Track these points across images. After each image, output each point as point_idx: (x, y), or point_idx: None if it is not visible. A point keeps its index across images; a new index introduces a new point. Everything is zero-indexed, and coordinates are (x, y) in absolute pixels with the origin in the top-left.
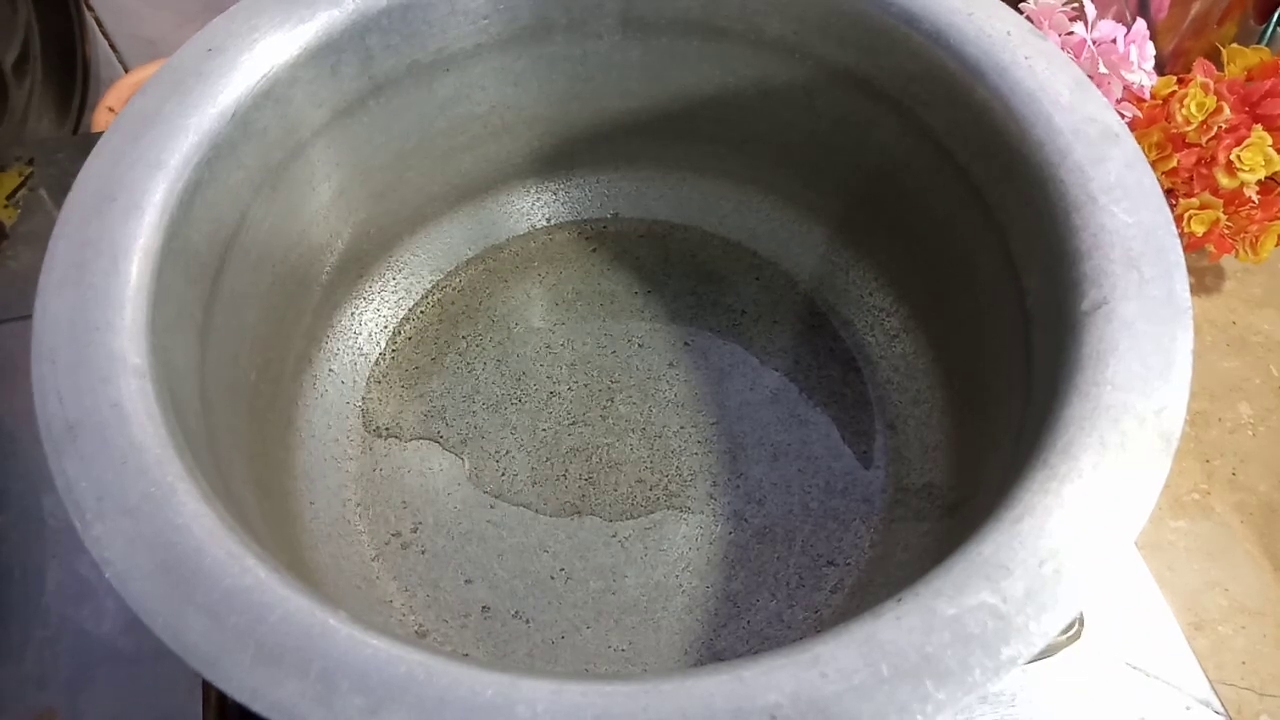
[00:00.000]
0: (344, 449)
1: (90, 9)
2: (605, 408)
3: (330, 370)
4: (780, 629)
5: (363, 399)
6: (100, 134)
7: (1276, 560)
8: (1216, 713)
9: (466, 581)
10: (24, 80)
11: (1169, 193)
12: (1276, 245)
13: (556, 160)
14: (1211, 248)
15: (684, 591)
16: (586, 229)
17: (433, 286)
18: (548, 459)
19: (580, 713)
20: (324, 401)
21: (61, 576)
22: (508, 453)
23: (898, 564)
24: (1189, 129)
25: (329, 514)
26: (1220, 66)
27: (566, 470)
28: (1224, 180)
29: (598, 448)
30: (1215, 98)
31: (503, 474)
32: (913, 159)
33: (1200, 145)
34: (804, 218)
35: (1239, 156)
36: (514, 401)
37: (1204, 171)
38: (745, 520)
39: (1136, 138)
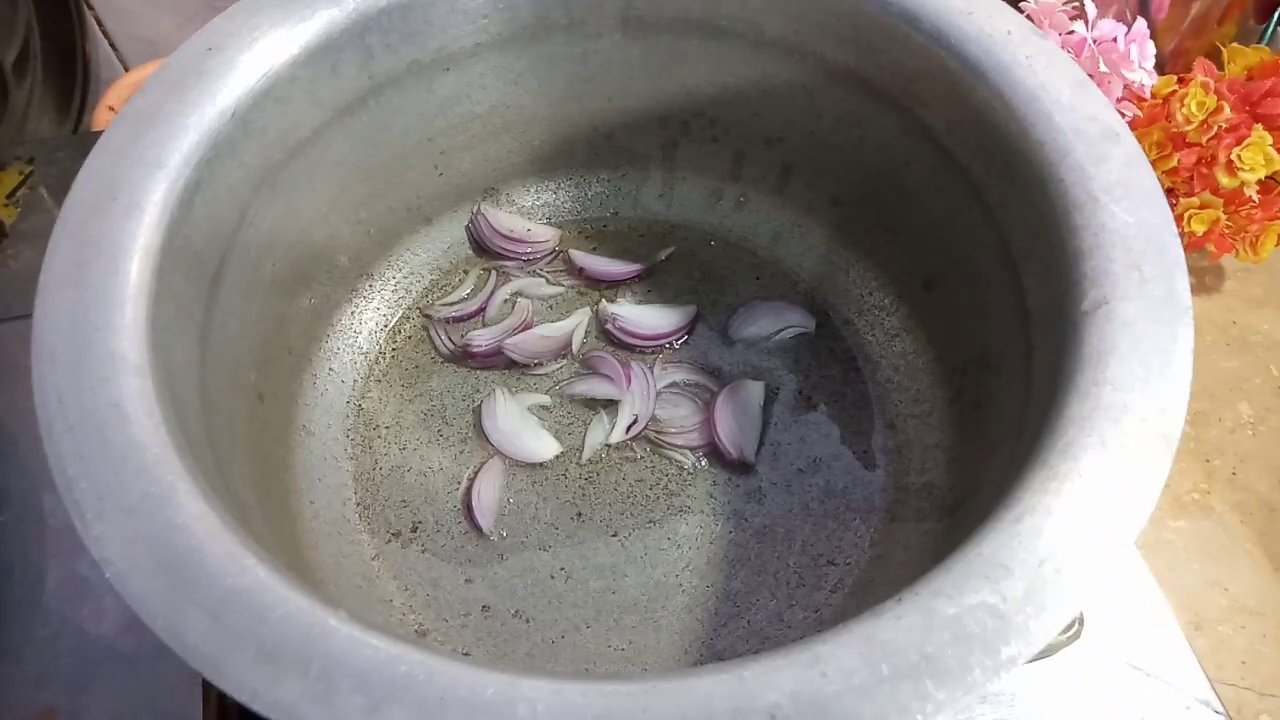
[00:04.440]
0: (344, 448)
1: (90, 9)
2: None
3: (330, 369)
4: (780, 628)
5: (363, 398)
6: (100, 133)
7: (1276, 560)
8: (1216, 712)
9: (466, 581)
10: (24, 80)
11: (1169, 192)
12: (1276, 245)
13: (556, 160)
14: (1212, 247)
15: (684, 591)
16: (587, 228)
17: (432, 286)
18: None
19: (580, 713)
20: (324, 400)
21: (61, 576)
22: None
23: (898, 564)
24: (1189, 128)
25: (329, 513)
26: (1220, 66)
27: (566, 469)
28: (1224, 180)
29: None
30: (1215, 97)
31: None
32: (913, 158)
33: (1200, 144)
34: (804, 218)
35: (1239, 156)
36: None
37: (1204, 171)
38: (745, 520)
39: (1137, 137)
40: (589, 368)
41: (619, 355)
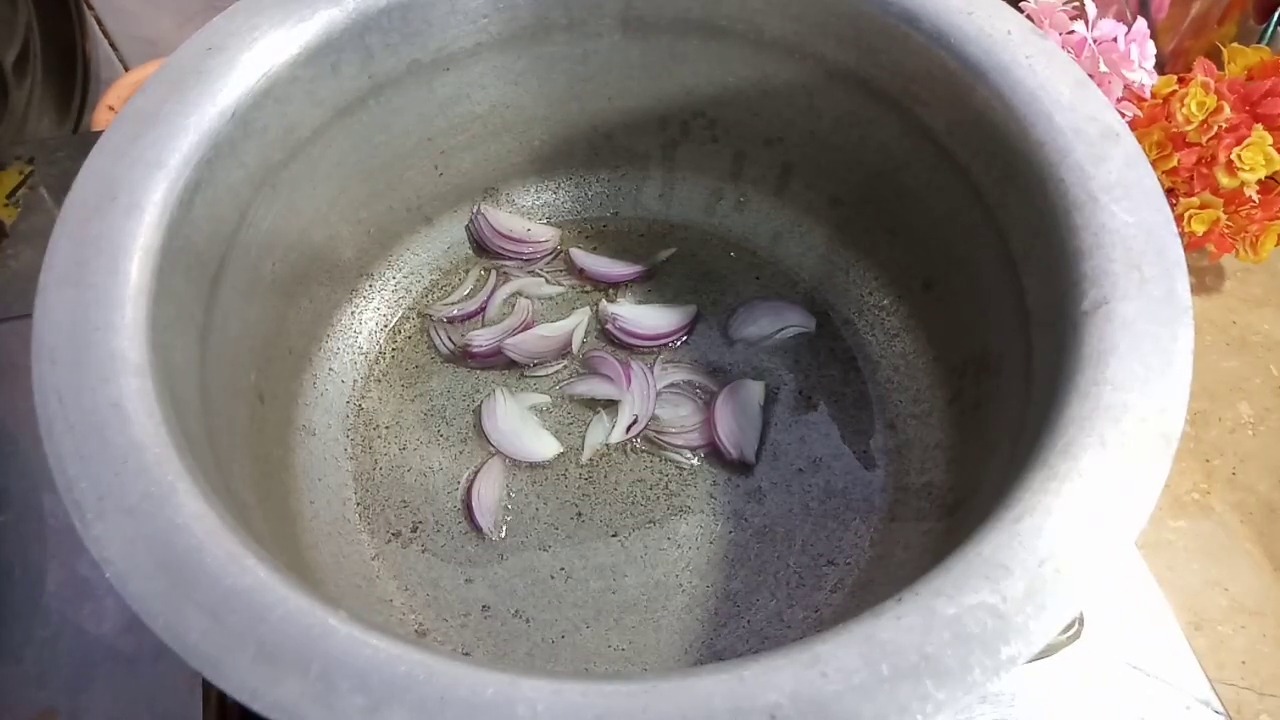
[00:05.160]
0: (344, 448)
1: (90, 9)
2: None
3: (330, 369)
4: (780, 628)
5: (363, 397)
6: (100, 133)
7: (1276, 560)
8: (1216, 712)
9: (466, 581)
10: (24, 80)
11: (1169, 192)
12: (1276, 245)
13: (556, 160)
14: (1212, 247)
15: (684, 591)
16: (587, 228)
17: (432, 286)
18: None
19: (580, 713)
20: (324, 400)
21: (61, 576)
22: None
23: (898, 563)
24: (1189, 128)
25: (329, 513)
26: (1220, 66)
27: (567, 469)
28: (1224, 179)
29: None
30: (1215, 97)
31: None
32: (913, 158)
33: (1200, 144)
34: (804, 218)
35: (1239, 156)
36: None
37: (1204, 171)
38: (745, 520)
39: (1137, 137)
40: (589, 368)
41: (619, 355)
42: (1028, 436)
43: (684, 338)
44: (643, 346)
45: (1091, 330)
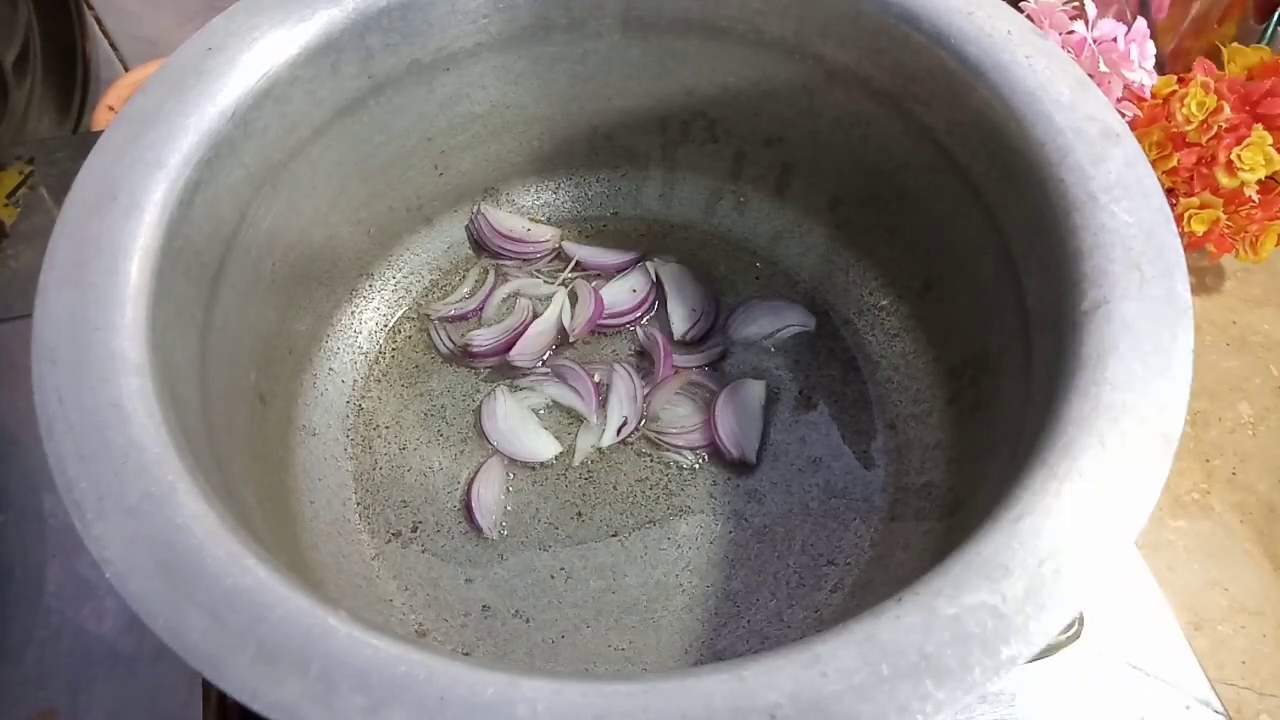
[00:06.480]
0: (344, 448)
1: (90, 9)
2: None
3: (330, 369)
4: (780, 628)
5: (363, 398)
6: (100, 133)
7: (1276, 560)
8: (1216, 712)
9: (466, 581)
10: (24, 80)
11: (1169, 192)
12: (1276, 245)
13: (556, 160)
14: (1211, 247)
15: (684, 591)
16: (586, 228)
17: (432, 286)
18: None
19: (580, 712)
20: (324, 400)
21: (61, 576)
22: None
23: (898, 563)
24: (1189, 128)
25: (329, 513)
26: (1220, 66)
27: (566, 469)
28: (1224, 179)
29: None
30: (1215, 97)
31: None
32: (913, 159)
33: (1200, 144)
34: (804, 218)
35: (1239, 156)
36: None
37: (1204, 171)
38: (745, 520)
39: (1137, 137)
40: (560, 378)
41: (589, 369)
42: (1028, 436)
43: (652, 304)
44: (608, 273)
45: (1091, 330)
